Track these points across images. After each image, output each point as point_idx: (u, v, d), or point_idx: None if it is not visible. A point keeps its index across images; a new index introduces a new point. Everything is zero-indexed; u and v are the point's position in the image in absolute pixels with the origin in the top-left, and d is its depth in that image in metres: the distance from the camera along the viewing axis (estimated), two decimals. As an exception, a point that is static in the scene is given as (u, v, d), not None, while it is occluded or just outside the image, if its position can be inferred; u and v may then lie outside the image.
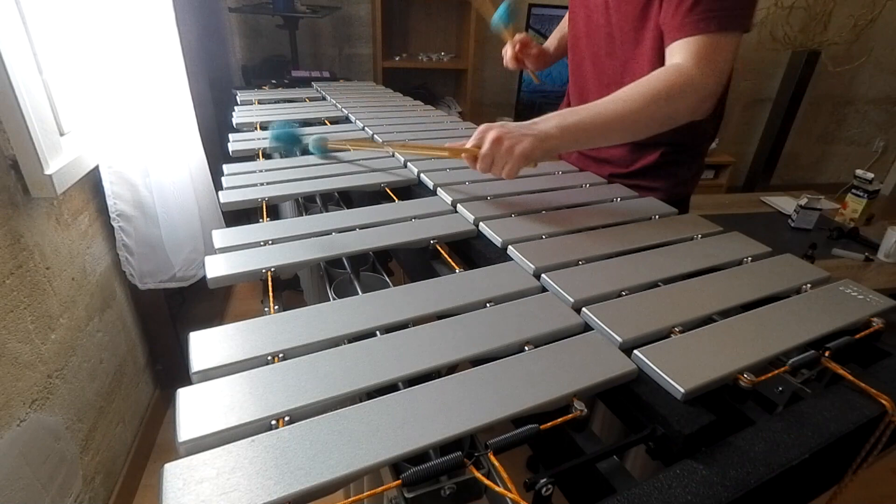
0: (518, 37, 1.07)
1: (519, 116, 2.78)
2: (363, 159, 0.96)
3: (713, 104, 0.76)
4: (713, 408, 0.41)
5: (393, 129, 1.14)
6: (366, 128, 1.16)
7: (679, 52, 0.74)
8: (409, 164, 0.93)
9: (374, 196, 0.87)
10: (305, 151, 0.89)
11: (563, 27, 1.15)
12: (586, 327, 0.51)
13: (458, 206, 0.76)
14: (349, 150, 0.98)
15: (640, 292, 0.55)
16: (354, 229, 0.69)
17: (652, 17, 0.81)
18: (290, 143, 0.76)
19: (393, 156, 0.99)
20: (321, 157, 0.84)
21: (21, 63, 0.87)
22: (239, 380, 0.41)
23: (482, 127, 0.70)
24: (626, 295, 0.55)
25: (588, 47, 0.96)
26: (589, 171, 0.97)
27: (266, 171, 0.88)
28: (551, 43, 1.17)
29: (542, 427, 0.39)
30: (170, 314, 1.46)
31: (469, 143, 0.71)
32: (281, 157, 0.97)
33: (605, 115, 0.71)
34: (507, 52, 1.10)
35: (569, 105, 1.08)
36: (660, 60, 0.82)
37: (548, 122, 0.70)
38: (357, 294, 0.63)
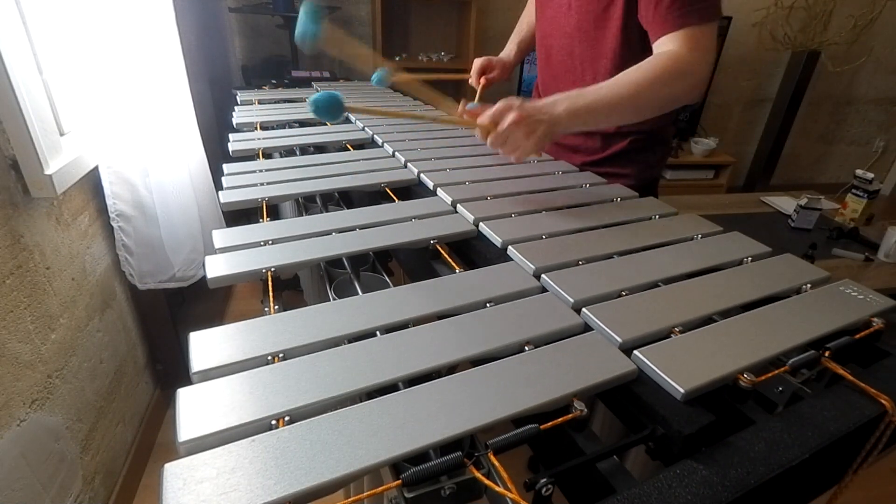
0: (479, 80, 1.16)
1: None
2: (363, 159, 0.96)
3: (704, 89, 0.82)
4: (713, 408, 0.41)
5: (393, 129, 1.14)
6: (366, 128, 1.16)
7: (669, 43, 0.78)
8: (409, 164, 0.93)
9: (374, 196, 0.87)
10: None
11: (518, 31, 1.22)
12: (586, 327, 0.51)
13: (458, 206, 0.76)
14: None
15: (640, 292, 0.55)
16: (354, 229, 0.69)
17: (613, 17, 0.87)
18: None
19: (393, 155, 0.99)
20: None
21: (21, 63, 0.87)
22: (239, 380, 0.41)
23: (503, 105, 0.71)
24: (626, 295, 0.55)
25: (554, 45, 1.01)
26: (562, 159, 1.01)
27: (266, 171, 0.88)
28: (510, 51, 1.22)
29: (542, 427, 0.39)
30: (170, 314, 1.46)
31: (486, 118, 0.72)
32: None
33: (611, 98, 0.74)
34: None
35: (538, 97, 1.11)
36: (623, 56, 0.88)
37: (557, 105, 0.72)
38: (357, 294, 0.63)
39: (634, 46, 0.87)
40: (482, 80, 1.15)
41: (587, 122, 0.76)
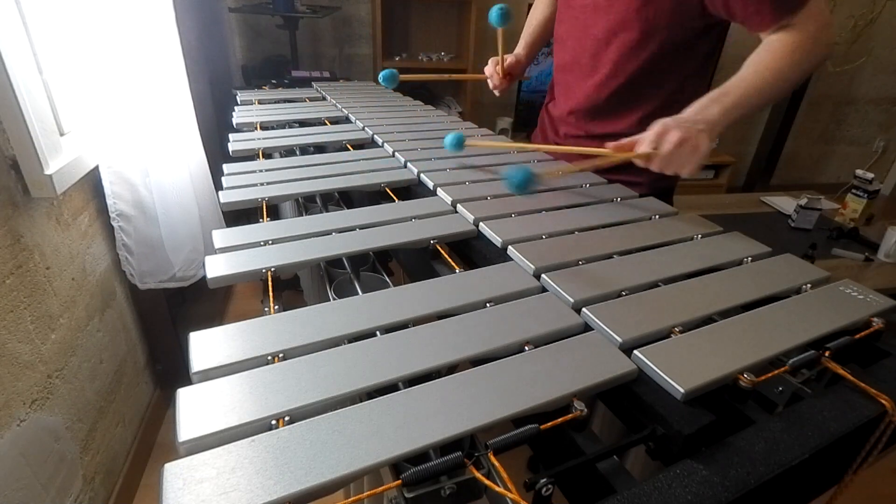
0: (495, 67, 1.13)
1: (519, 116, 2.78)
2: (364, 159, 0.96)
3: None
4: (713, 408, 0.41)
5: (393, 129, 1.14)
6: (366, 128, 1.16)
7: (785, 26, 0.76)
8: (409, 164, 0.93)
9: (374, 196, 0.87)
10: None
11: (528, 25, 1.20)
12: (586, 327, 0.51)
13: (458, 206, 0.76)
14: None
15: (640, 292, 0.55)
16: (354, 229, 0.69)
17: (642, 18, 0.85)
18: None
19: (393, 155, 0.99)
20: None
21: (21, 63, 0.87)
22: (239, 380, 0.41)
23: (659, 128, 0.71)
24: (626, 295, 0.55)
25: (573, 48, 0.99)
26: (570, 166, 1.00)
27: (266, 170, 0.88)
28: (519, 48, 1.19)
29: (542, 427, 0.39)
30: (170, 314, 1.46)
31: (645, 146, 0.72)
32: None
33: (758, 90, 0.75)
34: (494, 82, 1.15)
35: (552, 97, 1.12)
36: (637, 59, 0.88)
37: (709, 110, 0.73)
38: (357, 294, 0.63)
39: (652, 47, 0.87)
40: (498, 70, 1.13)
41: (737, 118, 0.76)
